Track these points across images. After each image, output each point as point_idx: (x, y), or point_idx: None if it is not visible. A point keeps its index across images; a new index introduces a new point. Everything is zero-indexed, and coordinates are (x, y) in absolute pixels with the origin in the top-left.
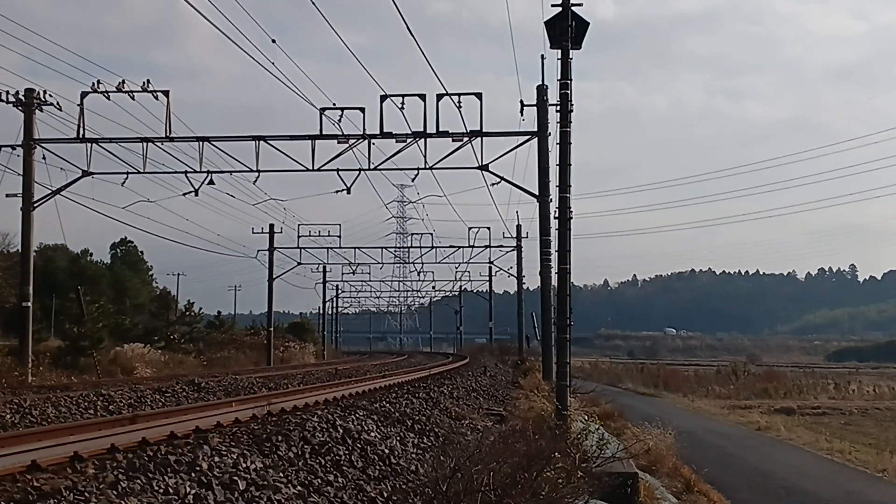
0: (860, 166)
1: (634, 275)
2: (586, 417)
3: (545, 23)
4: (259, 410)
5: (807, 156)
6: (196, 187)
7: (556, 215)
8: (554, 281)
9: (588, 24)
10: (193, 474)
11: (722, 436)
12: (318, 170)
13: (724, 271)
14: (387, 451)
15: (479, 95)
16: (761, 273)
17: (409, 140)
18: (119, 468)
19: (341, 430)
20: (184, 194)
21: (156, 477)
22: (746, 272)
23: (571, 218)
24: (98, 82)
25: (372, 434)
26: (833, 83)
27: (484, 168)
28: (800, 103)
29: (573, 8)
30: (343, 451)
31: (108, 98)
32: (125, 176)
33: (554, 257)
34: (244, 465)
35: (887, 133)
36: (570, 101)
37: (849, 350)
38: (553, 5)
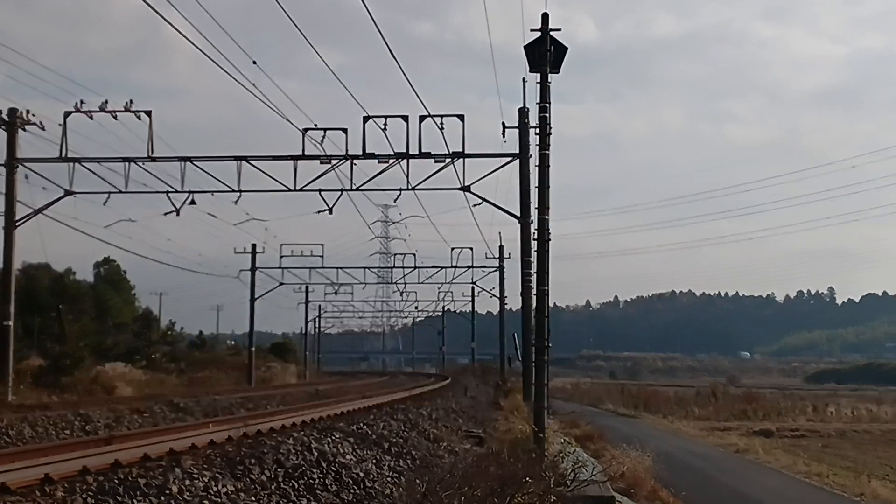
0: (839, 190)
1: (616, 296)
2: (564, 439)
3: (524, 47)
4: (235, 432)
5: (786, 179)
6: (178, 207)
7: (536, 237)
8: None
9: (566, 48)
10: (163, 498)
11: (701, 458)
12: (301, 190)
13: (704, 293)
14: (362, 474)
15: (461, 117)
16: (741, 295)
17: (391, 161)
18: (88, 491)
19: (316, 453)
20: (165, 214)
21: (125, 500)
22: (726, 294)
23: (550, 240)
24: (81, 102)
25: (347, 457)
26: (814, 107)
27: (466, 189)
28: (780, 127)
29: (552, 33)
30: (317, 474)
31: (91, 118)
32: (107, 195)
33: (534, 278)
34: (215, 489)
35: (867, 157)
36: (549, 124)
37: (827, 372)
38: (532, 30)
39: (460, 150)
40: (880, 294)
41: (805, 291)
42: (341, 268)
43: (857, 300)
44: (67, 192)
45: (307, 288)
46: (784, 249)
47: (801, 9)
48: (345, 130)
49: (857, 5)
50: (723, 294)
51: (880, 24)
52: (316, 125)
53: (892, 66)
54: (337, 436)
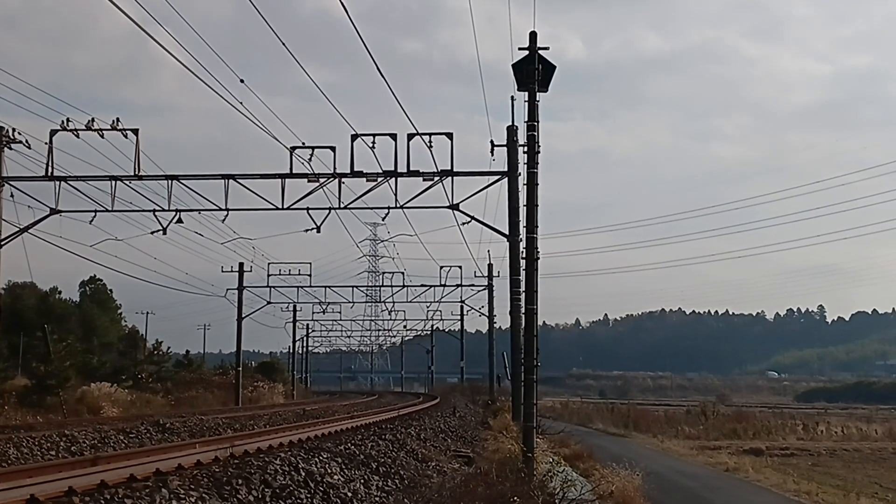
0: (827, 208)
1: (606, 314)
2: (553, 459)
3: (512, 66)
4: (222, 452)
5: (775, 197)
6: (164, 226)
7: (524, 255)
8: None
9: (555, 67)
10: None
11: (690, 477)
12: (288, 209)
13: (693, 311)
14: (350, 494)
15: (449, 135)
16: (731, 313)
17: (379, 179)
18: None
19: (304, 473)
20: (152, 233)
21: None
22: (716, 312)
23: (538, 258)
24: (67, 120)
25: (335, 477)
26: (800, 125)
27: (455, 207)
28: (768, 145)
29: (540, 51)
30: (305, 494)
31: (78, 136)
32: (93, 214)
33: (523, 297)
34: None
35: (853, 175)
36: (538, 142)
37: (817, 390)
38: (520, 48)
39: (449, 168)
40: (870, 312)
41: (795, 309)
42: (329, 287)
43: (847, 318)
44: (53, 211)
45: (295, 307)
46: (773, 267)
47: (786, 28)
48: (333, 148)
49: (841, 25)
50: (712, 312)
51: (865, 43)
52: (304, 143)
53: (876, 84)
54: (324, 456)
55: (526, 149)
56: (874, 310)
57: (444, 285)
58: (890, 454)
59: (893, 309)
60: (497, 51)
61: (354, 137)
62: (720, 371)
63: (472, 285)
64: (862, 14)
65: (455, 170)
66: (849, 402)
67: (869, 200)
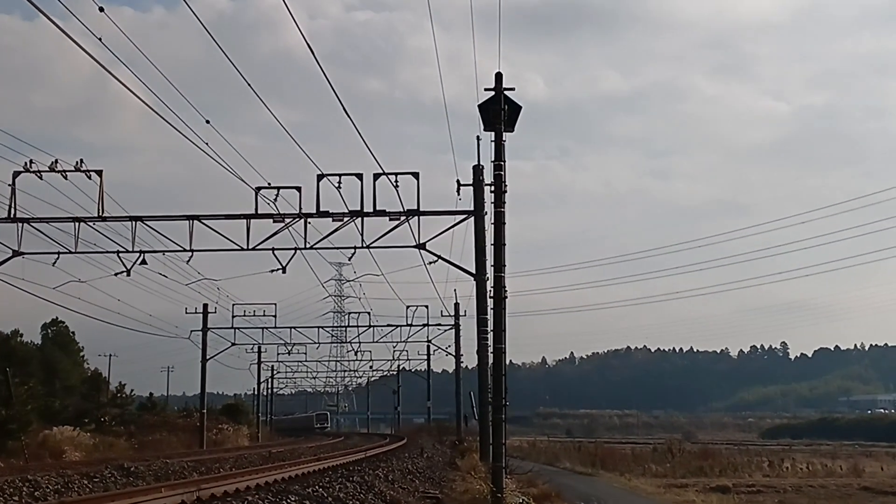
0: (788, 245)
1: (572, 352)
2: (522, 499)
3: (479, 106)
4: (188, 496)
5: (737, 234)
6: (128, 267)
7: (492, 294)
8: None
9: (520, 107)
10: None
11: None
12: (254, 249)
13: (659, 348)
14: None
15: (415, 175)
16: (695, 350)
17: (346, 219)
18: None
19: None
20: (115, 274)
21: None
22: (681, 349)
23: (506, 297)
24: (30, 162)
25: None
26: (759, 163)
27: (421, 247)
28: (729, 182)
29: (505, 92)
30: None
31: (41, 178)
32: (57, 256)
33: (491, 336)
34: None
35: (814, 213)
36: (504, 181)
37: (782, 427)
38: (486, 89)
39: (415, 207)
40: (832, 349)
41: (758, 346)
42: (295, 327)
43: (809, 355)
44: (16, 253)
45: (260, 348)
46: (737, 305)
47: (743, 67)
48: (299, 189)
49: (798, 64)
50: (677, 349)
51: (823, 82)
52: (269, 183)
53: (835, 122)
54: (292, 499)
55: (493, 188)
56: (836, 346)
57: (411, 325)
58: (855, 490)
59: (856, 345)
60: (459, 90)
61: (320, 177)
62: (686, 408)
63: (439, 325)
64: (821, 53)
65: (421, 209)
66: (813, 438)
67: (830, 238)
